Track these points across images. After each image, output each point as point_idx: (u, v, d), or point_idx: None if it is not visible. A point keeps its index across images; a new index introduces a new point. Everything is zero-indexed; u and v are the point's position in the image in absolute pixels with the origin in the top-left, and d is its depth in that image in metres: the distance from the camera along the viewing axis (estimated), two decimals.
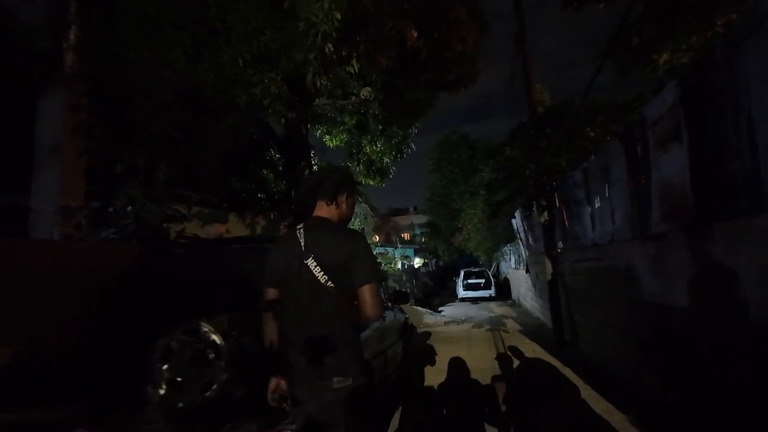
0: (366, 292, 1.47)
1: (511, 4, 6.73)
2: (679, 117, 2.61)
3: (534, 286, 8.86)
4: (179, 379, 1.87)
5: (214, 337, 1.86)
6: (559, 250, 6.00)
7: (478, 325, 9.04)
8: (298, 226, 1.61)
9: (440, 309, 12.87)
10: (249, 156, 7.47)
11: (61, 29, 3.75)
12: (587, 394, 3.92)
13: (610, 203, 3.93)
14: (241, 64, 5.01)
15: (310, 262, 1.49)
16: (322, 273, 1.48)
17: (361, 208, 21.30)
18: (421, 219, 30.14)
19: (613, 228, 3.90)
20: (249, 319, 1.89)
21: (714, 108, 2.31)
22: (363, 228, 20.19)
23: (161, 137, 4.09)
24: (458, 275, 16.36)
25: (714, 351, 2.41)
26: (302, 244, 1.53)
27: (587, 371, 4.63)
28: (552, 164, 5.36)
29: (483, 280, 15.44)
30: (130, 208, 3.77)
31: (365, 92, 6.85)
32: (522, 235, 8.97)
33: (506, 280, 16.00)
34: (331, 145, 10.31)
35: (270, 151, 8.34)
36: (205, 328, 1.87)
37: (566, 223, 5.46)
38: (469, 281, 15.55)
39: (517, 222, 9.19)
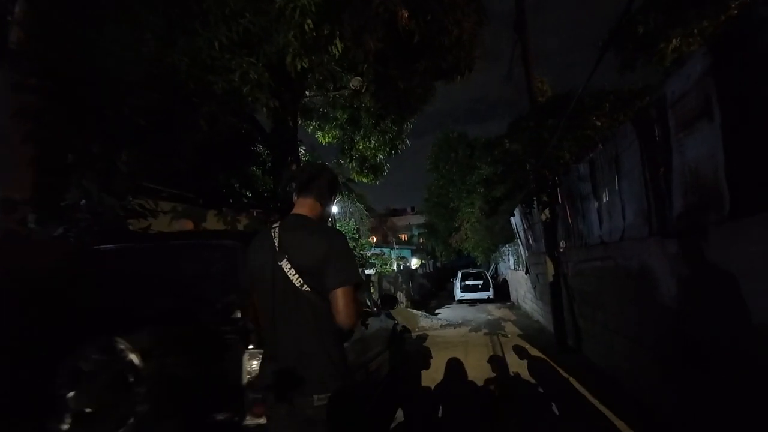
0: (339, 297, 1.32)
1: (508, 3, 6.35)
2: (709, 90, 2.21)
3: (534, 287, 8.46)
4: (89, 410, 1.46)
5: (132, 356, 1.45)
6: (561, 250, 5.61)
7: (476, 329, 8.63)
8: (274, 225, 1.48)
9: (437, 311, 12.47)
10: (234, 151, 7.04)
11: (6, 1, 3.35)
12: (596, 410, 3.52)
13: (621, 197, 3.53)
14: (218, 48, 4.62)
15: (284, 264, 1.36)
16: (297, 276, 1.35)
17: (356, 209, 20.93)
18: (419, 219, 29.75)
19: (624, 224, 3.51)
20: (182, 333, 1.49)
21: (756, 77, 1.92)
22: (359, 228, 19.80)
23: (121, 123, 3.68)
24: (456, 276, 15.97)
25: (757, 369, 2.01)
26: (276, 244, 1.40)
27: (594, 382, 4.24)
28: (554, 157, 4.97)
29: (481, 282, 15.04)
30: (84, 201, 3.36)
31: (355, 82, 6.46)
32: (521, 234, 8.58)
33: (505, 282, 15.61)
34: (324, 141, 9.92)
35: (258, 147, 7.94)
36: (122, 345, 1.46)
37: (570, 220, 5.07)
38: (467, 283, 15.15)
39: (516, 220, 8.79)
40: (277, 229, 1.44)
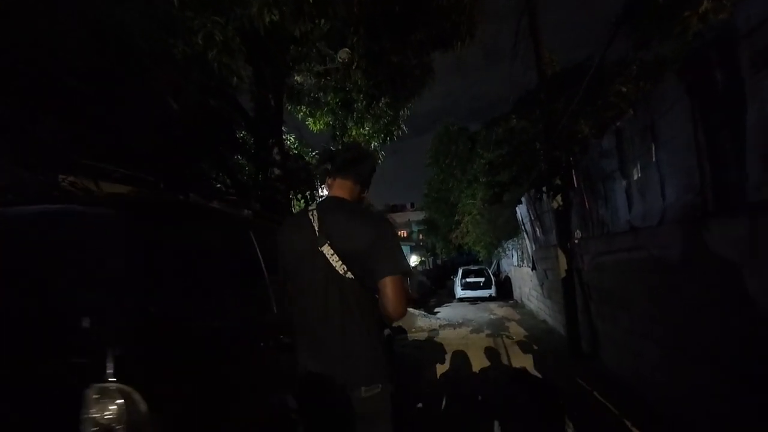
0: (389, 286, 1.23)
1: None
2: None
3: (541, 285, 7.78)
4: None
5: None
6: (576, 241, 4.93)
7: (477, 329, 7.96)
8: (310, 207, 1.38)
9: (436, 310, 11.81)
10: (215, 135, 6.34)
11: None
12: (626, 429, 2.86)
13: (659, 171, 2.85)
14: (177, 5, 3.95)
15: (326, 249, 1.26)
16: (340, 262, 1.25)
17: None
18: (419, 216, 29.05)
19: (663, 205, 2.82)
20: None
21: None
22: None
23: (45, 84, 3.02)
24: (456, 274, 15.29)
25: None
26: (316, 228, 1.29)
27: (619, 397, 3.57)
28: (569, 134, 4.28)
29: (483, 279, 14.35)
30: None
31: (343, 54, 5.78)
32: (528, 226, 7.88)
33: (507, 279, 14.93)
34: (315, 129, 9.24)
35: (242, 134, 7.26)
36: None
37: (587, 206, 4.38)
38: (468, 280, 14.46)
39: (522, 211, 8.10)
40: (315, 212, 1.33)
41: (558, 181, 4.64)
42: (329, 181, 1.42)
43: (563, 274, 5.19)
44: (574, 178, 4.65)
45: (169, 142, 5.17)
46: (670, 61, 4.10)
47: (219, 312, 1.38)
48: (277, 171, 6.06)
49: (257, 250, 1.77)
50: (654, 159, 2.89)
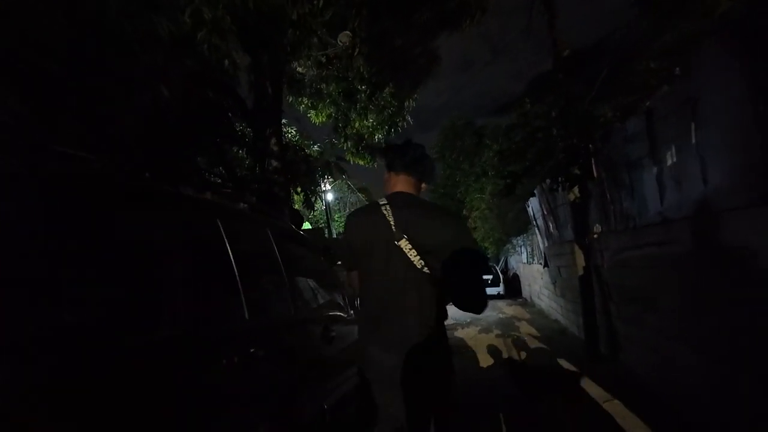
0: (470, 282, 1.34)
1: None
2: None
3: (554, 283, 7.39)
4: None
5: None
6: (595, 236, 4.55)
7: (486, 329, 7.61)
8: (382, 202, 1.39)
9: None
10: (206, 123, 6.04)
11: None
12: None
13: (699, 153, 2.47)
14: None
15: (404, 244, 1.30)
16: (417, 257, 1.30)
17: (357, 198, 19.92)
18: None
19: (704, 191, 2.45)
20: None
21: None
22: None
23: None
24: None
25: None
26: (392, 222, 1.32)
27: (643, 403, 3.21)
28: (588, 119, 3.91)
29: (490, 277, 13.94)
30: None
31: (343, 37, 5.44)
32: (539, 221, 7.49)
33: (515, 277, 14.51)
34: (317, 121, 8.91)
35: (241, 126, 6.94)
36: None
37: (609, 197, 4.00)
38: None
39: (533, 206, 7.70)
40: (387, 206, 1.35)
41: (576, 171, 4.25)
42: (392, 176, 1.43)
43: (580, 272, 4.82)
44: (594, 167, 4.27)
45: (159, 131, 4.88)
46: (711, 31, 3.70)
47: (167, 321, 1.06)
48: (274, 163, 5.73)
49: (226, 243, 1.45)
50: (694, 140, 2.51)
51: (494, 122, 16.70)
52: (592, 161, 4.27)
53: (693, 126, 2.52)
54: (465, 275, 1.30)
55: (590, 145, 4.25)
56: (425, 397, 1.29)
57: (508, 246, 12.19)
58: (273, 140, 5.78)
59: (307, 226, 15.72)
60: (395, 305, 1.31)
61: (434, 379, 1.30)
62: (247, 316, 1.41)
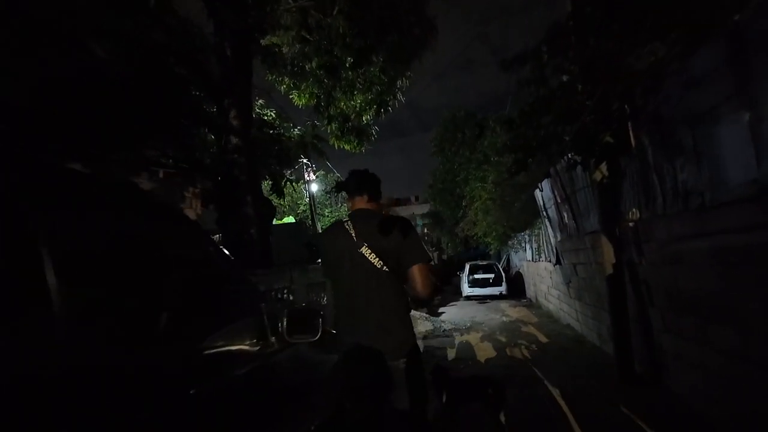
0: (416, 272, 1.59)
1: None
2: None
3: (567, 283, 6.40)
4: None
5: None
6: (631, 224, 3.56)
7: (489, 336, 6.63)
8: (344, 219, 1.71)
9: (441, 311, 10.49)
10: (156, 93, 5.02)
11: None
12: None
13: None
14: None
15: (364, 250, 1.60)
16: (377, 259, 1.59)
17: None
18: (423, 209, 27.66)
19: None
20: None
21: None
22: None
23: None
24: (463, 269, 13.90)
25: None
26: (353, 234, 1.63)
27: None
28: (623, 67, 2.92)
29: (492, 275, 12.96)
30: None
31: None
32: (551, 212, 6.48)
33: (518, 275, 13.53)
34: (300, 103, 7.91)
35: (208, 106, 5.94)
36: None
37: (656, 169, 3.01)
38: (476, 276, 13.07)
39: (543, 193, 6.69)
40: (349, 222, 1.67)
41: (608, 139, 3.26)
42: (350, 199, 1.77)
43: (609, 270, 3.83)
44: (632, 133, 3.28)
45: (84, 97, 3.90)
46: None
47: None
48: (234, 140, 4.74)
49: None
50: None
51: (497, 117, 15.55)
52: (629, 125, 3.29)
53: None
54: (411, 268, 1.59)
55: (626, 105, 3.26)
56: (379, 375, 1.51)
57: (513, 241, 11.14)
58: (233, 113, 4.79)
59: (290, 219, 14.71)
60: (363, 299, 1.59)
61: (399, 361, 1.54)
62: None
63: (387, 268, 1.56)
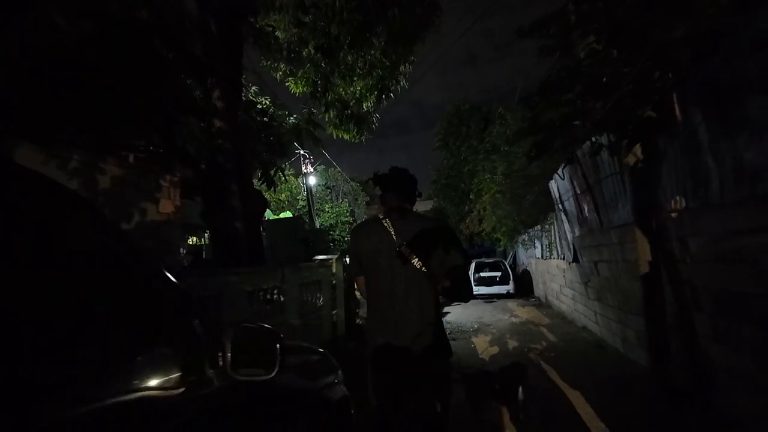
0: (459, 275, 1.60)
1: None
2: None
3: (586, 282, 5.89)
4: None
5: None
6: (674, 215, 3.05)
7: (499, 339, 6.14)
8: (381, 216, 1.70)
9: (445, 311, 10.00)
10: (134, 76, 4.52)
11: None
12: None
13: None
14: None
15: (404, 249, 1.59)
16: (416, 258, 1.58)
17: (351, 188, 18.41)
18: (427, 206, 27.13)
19: None
20: None
21: None
22: (353, 210, 17.27)
23: None
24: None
25: None
26: (392, 232, 1.63)
27: None
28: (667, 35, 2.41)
29: (499, 273, 12.46)
30: None
31: None
32: (568, 204, 5.96)
33: (526, 273, 13.02)
34: (296, 91, 7.42)
35: (198, 93, 5.45)
36: None
37: (710, 151, 2.51)
38: (482, 274, 12.57)
39: (559, 186, 6.17)
40: (387, 220, 1.66)
41: (651, 113, 2.76)
42: (385, 195, 1.74)
43: (644, 269, 3.33)
44: (677, 107, 2.77)
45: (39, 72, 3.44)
46: None
47: None
48: (218, 123, 4.27)
49: None
50: None
51: (507, 107, 14.87)
52: (674, 97, 2.78)
53: None
54: (454, 270, 1.60)
55: (670, 74, 2.75)
56: (428, 377, 1.53)
57: (524, 237, 10.59)
58: (216, 93, 4.30)
59: (287, 214, 14.23)
60: (400, 300, 1.57)
61: (434, 360, 1.56)
62: None
63: (425, 268, 1.57)
